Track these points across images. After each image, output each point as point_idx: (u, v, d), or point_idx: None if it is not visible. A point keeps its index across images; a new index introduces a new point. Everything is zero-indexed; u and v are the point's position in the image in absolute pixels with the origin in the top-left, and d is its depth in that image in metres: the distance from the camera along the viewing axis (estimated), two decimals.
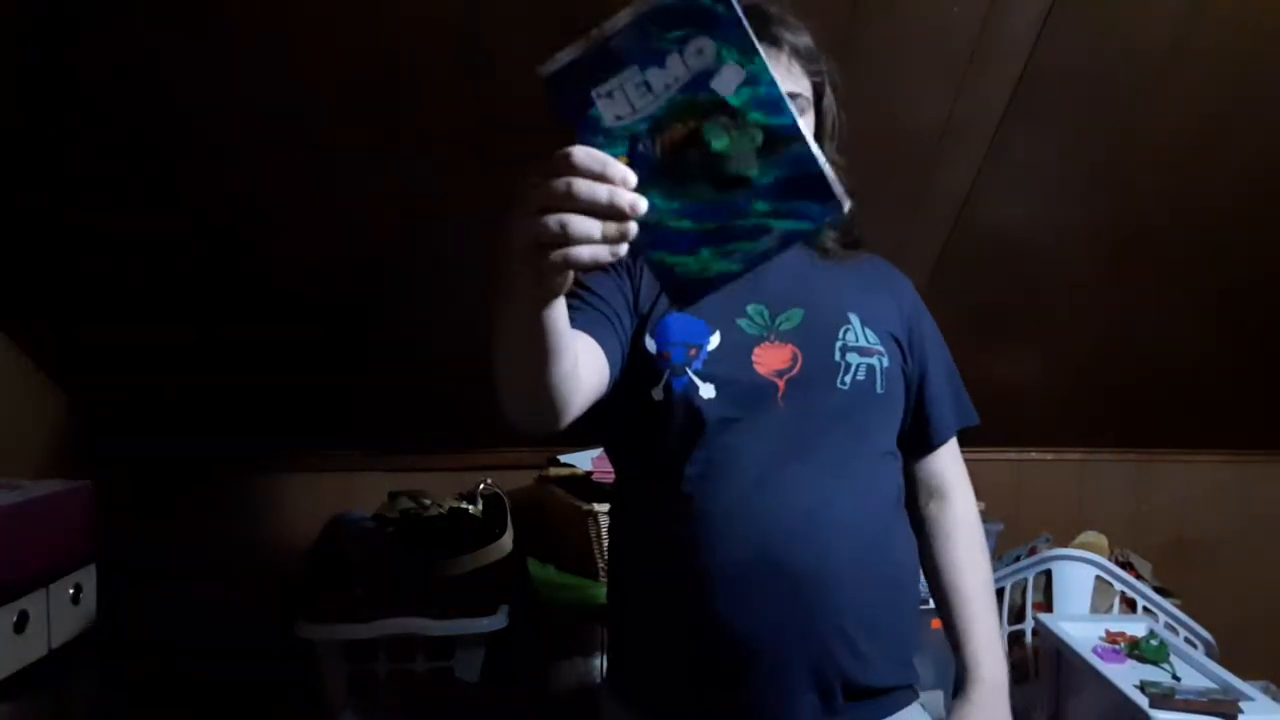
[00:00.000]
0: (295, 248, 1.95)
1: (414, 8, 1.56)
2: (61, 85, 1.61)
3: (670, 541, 1.06)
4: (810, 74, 1.07)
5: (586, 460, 2.20)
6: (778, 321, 1.10)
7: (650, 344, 1.09)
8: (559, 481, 2.25)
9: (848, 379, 1.08)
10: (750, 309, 1.10)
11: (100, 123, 1.68)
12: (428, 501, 2.24)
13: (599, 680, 2.10)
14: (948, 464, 1.26)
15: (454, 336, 2.14)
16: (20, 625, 1.65)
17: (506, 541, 2.16)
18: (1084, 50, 1.72)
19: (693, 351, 1.06)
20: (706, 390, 1.05)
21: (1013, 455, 2.65)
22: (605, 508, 2.04)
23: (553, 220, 0.62)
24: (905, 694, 1.13)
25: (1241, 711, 1.57)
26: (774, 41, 1.04)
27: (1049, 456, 2.69)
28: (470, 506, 2.26)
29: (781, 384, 1.06)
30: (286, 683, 2.19)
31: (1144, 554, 2.51)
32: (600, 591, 2.08)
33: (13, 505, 1.70)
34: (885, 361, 1.11)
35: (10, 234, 1.84)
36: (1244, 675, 1.72)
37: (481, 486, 2.33)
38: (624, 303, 1.11)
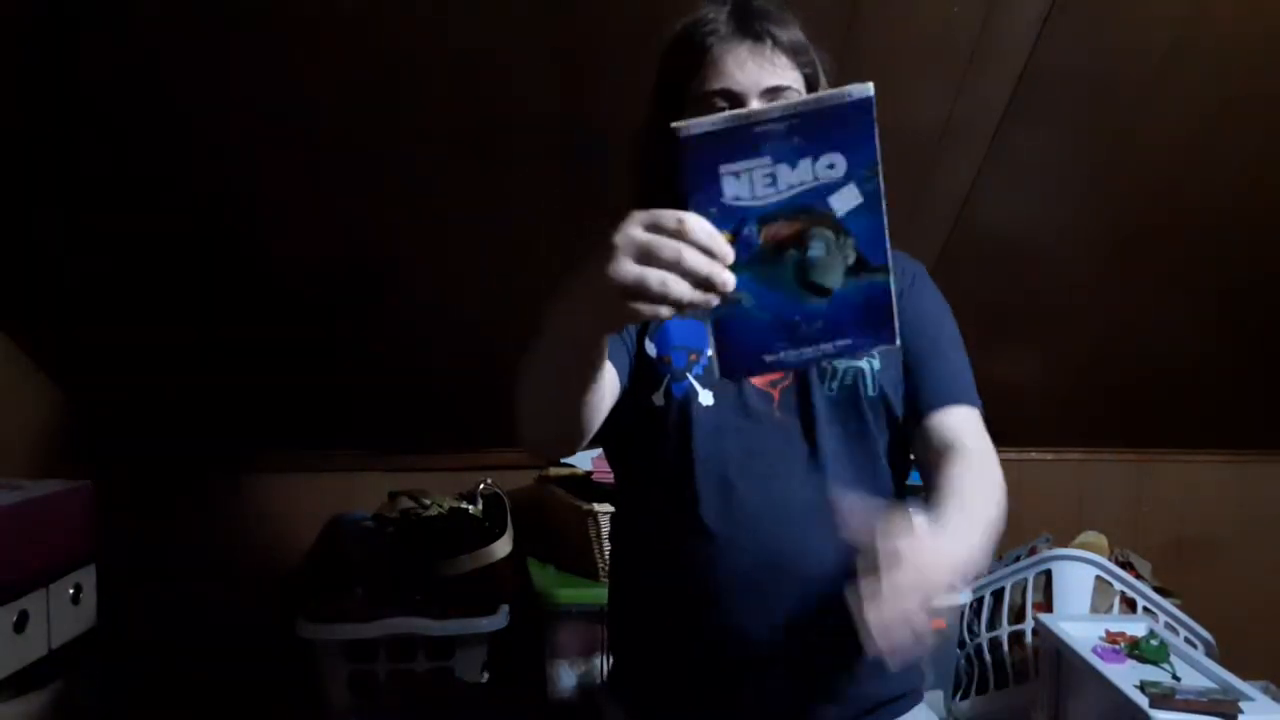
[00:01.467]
0: (295, 248, 1.95)
1: (414, 7, 1.56)
2: (61, 86, 1.61)
3: (672, 547, 1.06)
4: (800, 65, 1.06)
5: (586, 460, 2.20)
6: None
7: (650, 348, 1.08)
8: (559, 481, 2.25)
9: (834, 384, 1.07)
10: None
11: (100, 123, 1.68)
12: (428, 501, 2.24)
13: (599, 680, 2.10)
14: (955, 425, 1.09)
15: (454, 337, 2.14)
16: (20, 625, 1.65)
17: (506, 541, 2.16)
18: (1084, 50, 1.72)
19: (693, 356, 1.06)
20: (706, 397, 1.05)
21: (1013, 455, 2.65)
22: (605, 508, 2.04)
23: (654, 276, 0.66)
24: (911, 698, 1.13)
25: (1241, 711, 1.56)
26: (758, 36, 1.03)
27: (1049, 456, 2.69)
28: (470, 506, 2.26)
29: (776, 393, 1.07)
30: (286, 683, 2.19)
31: (1144, 554, 2.51)
32: (600, 592, 2.07)
33: (13, 505, 1.70)
34: (875, 363, 1.09)
35: (10, 234, 1.84)
36: (1244, 675, 1.72)
37: (481, 486, 2.33)
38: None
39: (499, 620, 2.08)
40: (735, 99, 1.01)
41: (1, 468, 1.91)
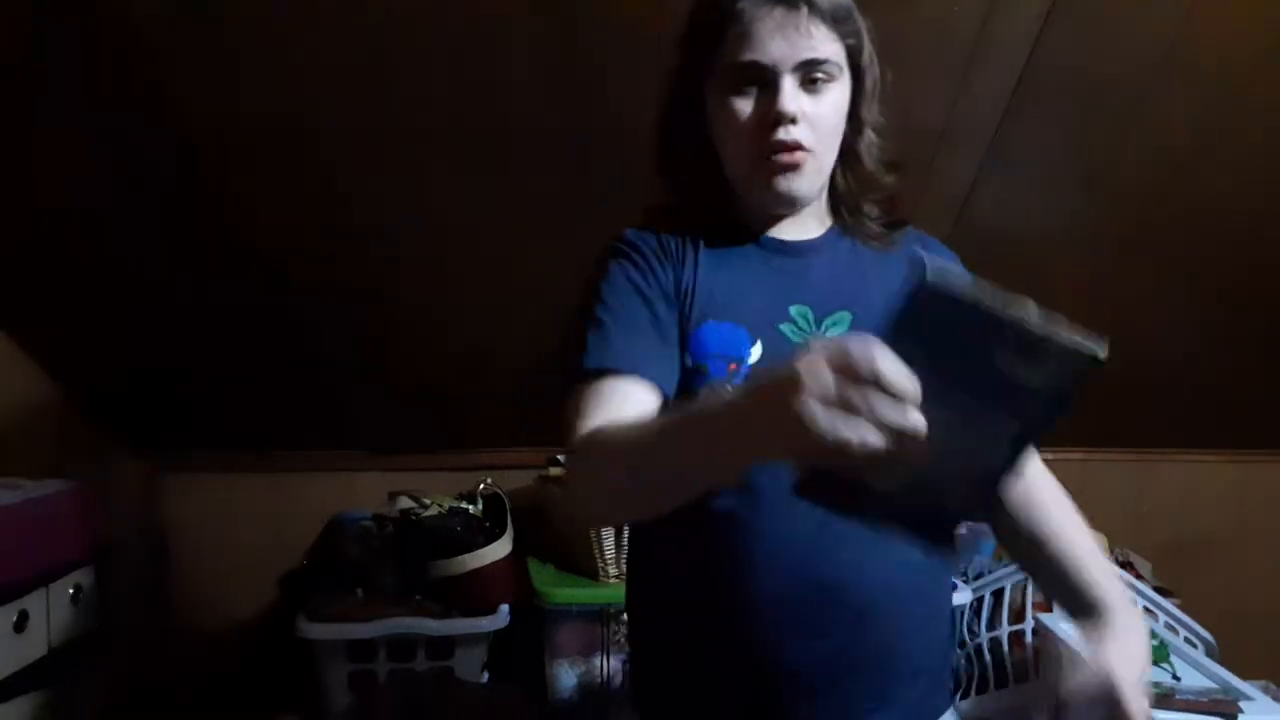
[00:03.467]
0: (297, 250, 1.94)
1: (416, 8, 1.56)
2: (62, 89, 1.61)
3: (707, 562, 0.97)
4: (842, 36, 0.96)
5: None
6: (824, 327, 0.99)
7: (686, 357, 0.97)
8: (559, 481, 2.25)
9: None
10: (794, 310, 0.99)
11: (102, 125, 1.68)
12: (428, 501, 2.24)
13: (599, 680, 2.10)
14: None
15: (454, 338, 2.14)
16: (20, 625, 1.65)
17: (506, 541, 2.16)
18: (1083, 50, 1.72)
19: (733, 366, 0.96)
20: None
21: None
22: None
23: (854, 434, 0.59)
24: (941, 708, 1.08)
25: (1241, 711, 1.57)
26: (793, 2, 0.93)
27: (1049, 456, 2.66)
28: (470, 506, 2.26)
29: None
30: (286, 683, 2.19)
31: (1144, 554, 2.51)
32: (600, 592, 2.08)
33: (13, 505, 1.70)
34: None
35: (11, 235, 1.84)
36: (1244, 675, 1.72)
37: (481, 486, 2.33)
38: (675, 322, 0.98)
39: (499, 620, 2.08)
40: (765, 73, 0.94)
41: (1, 468, 1.91)
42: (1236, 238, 2.10)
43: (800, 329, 0.99)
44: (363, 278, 2.03)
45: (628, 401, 0.90)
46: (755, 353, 0.96)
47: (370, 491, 2.35)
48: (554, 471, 2.29)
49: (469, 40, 1.61)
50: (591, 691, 2.09)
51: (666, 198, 1.06)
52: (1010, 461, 0.67)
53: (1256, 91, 1.80)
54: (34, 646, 1.70)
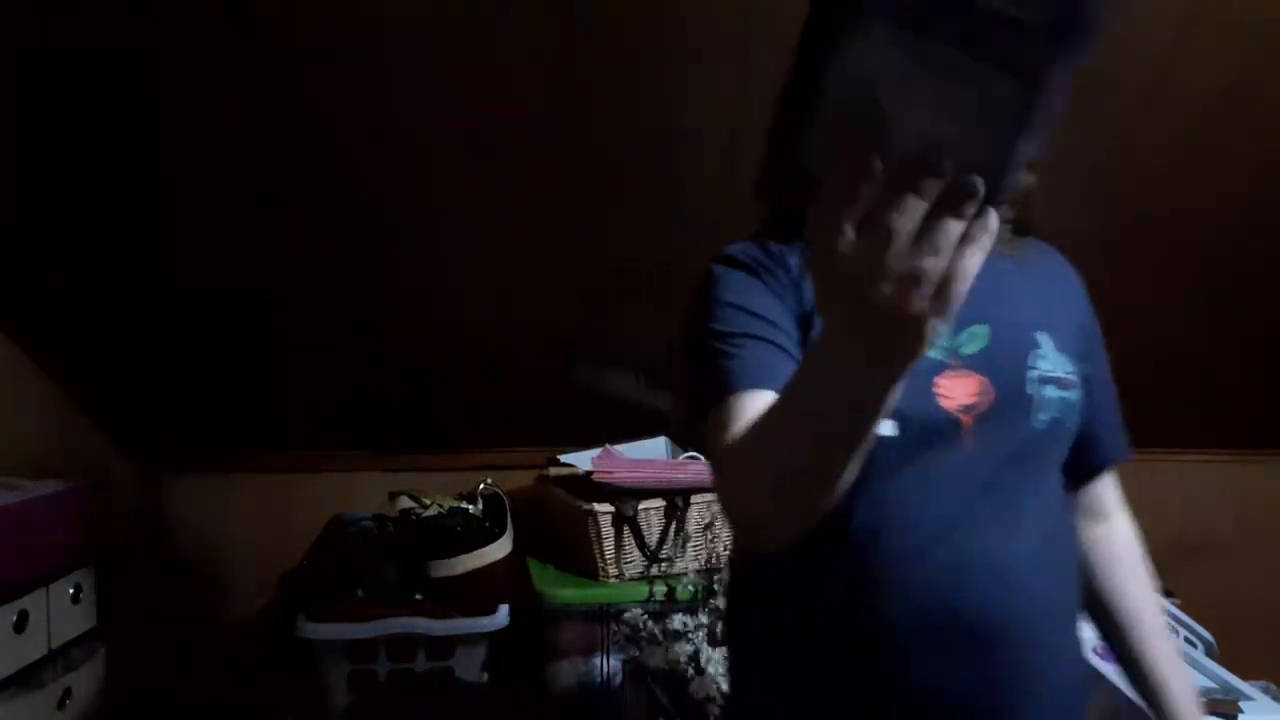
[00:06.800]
0: (296, 251, 1.95)
1: (416, 9, 1.57)
2: (62, 91, 1.61)
3: (835, 596, 0.92)
4: None
5: (586, 460, 2.20)
6: (959, 341, 0.94)
7: None
8: (559, 481, 2.25)
9: (1044, 416, 0.94)
10: None
11: (104, 127, 1.68)
12: (428, 501, 2.24)
13: (599, 680, 2.10)
14: (1109, 485, 1.17)
15: (455, 338, 2.14)
16: (20, 625, 1.65)
17: (506, 541, 2.16)
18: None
19: None
20: (885, 426, 0.84)
21: None
22: (605, 508, 2.04)
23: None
24: None
25: (1241, 711, 1.56)
26: None
27: None
28: (470, 506, 2.26)
29: (969, 420, 0.91)
30: (286, 683, 2.19)
31: (1144, 554, 2.51)
32: (600, 592, 2.08)
33: (12, 505, 1.70)
34: (1078, 393, 0.98)
35: (11, 235, 1.84)
36: (1244, 675, 1.72)
37: (481, 486, 2.33)
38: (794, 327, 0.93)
39: (499, 620, 2.08)
40: None
41: (1, 468, 1.91)
42: (1236, 238, 2.10)
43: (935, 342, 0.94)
44: (363, 278, 2.03)
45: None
46: None
47: (370, 491, 2.35)
48: (554, 471, 2.29)
49: (468, 38, 1.61)
50: (591, 691, 2.09)
51: (764, 219, 1.01)
52: (1020, 128, 0.57)
53: (1256, 91, 1.80)
54: (34, 646, 1.70)
